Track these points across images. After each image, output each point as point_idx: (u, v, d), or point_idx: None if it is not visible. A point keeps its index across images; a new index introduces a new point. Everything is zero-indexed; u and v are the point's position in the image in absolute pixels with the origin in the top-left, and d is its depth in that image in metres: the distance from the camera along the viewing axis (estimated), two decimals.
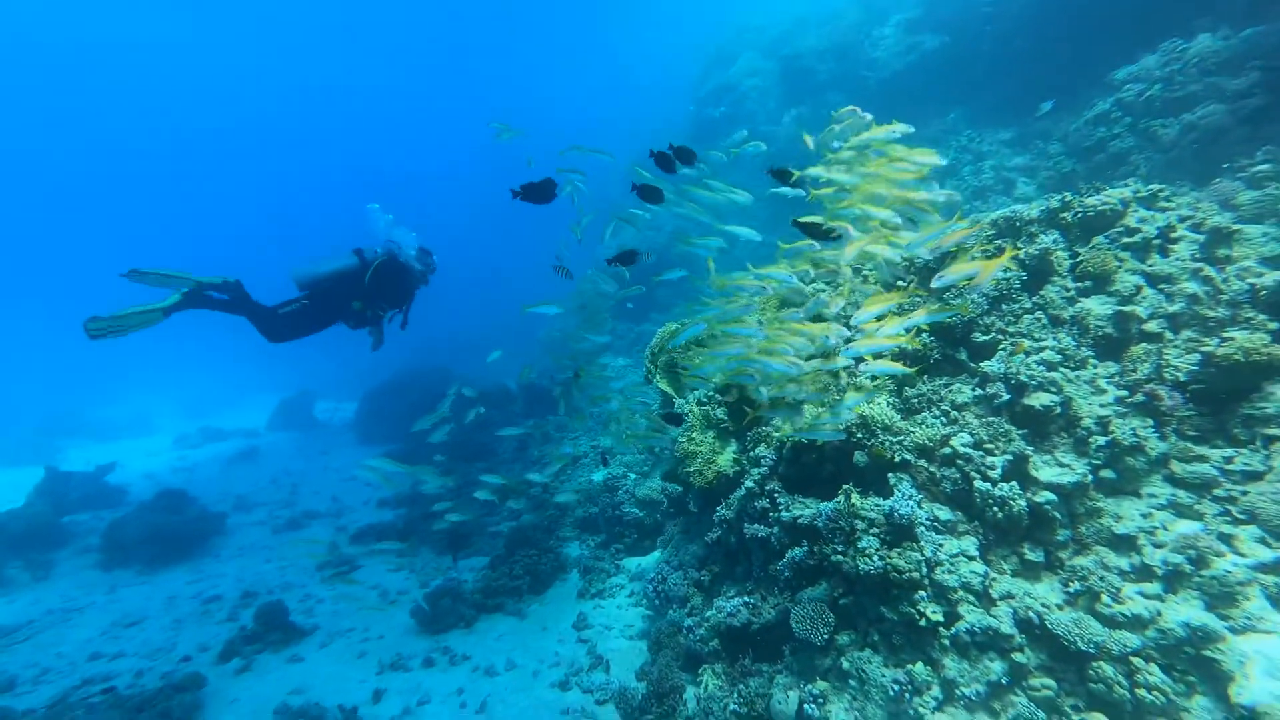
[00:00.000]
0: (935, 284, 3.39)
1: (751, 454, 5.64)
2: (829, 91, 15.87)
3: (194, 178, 62.03)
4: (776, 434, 5.41)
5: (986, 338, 5.11)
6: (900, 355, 5.07)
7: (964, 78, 13.16)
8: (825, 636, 4.37)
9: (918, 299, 5.13)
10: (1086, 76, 10.56)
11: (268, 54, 45.94)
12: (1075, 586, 4.02)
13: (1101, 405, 4.60)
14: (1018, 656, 3.90)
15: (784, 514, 4.96)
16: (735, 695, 4.58)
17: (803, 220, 3.73)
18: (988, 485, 4.31)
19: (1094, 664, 3.66)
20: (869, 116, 3.96)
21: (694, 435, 6.20)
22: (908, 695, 3.95)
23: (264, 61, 46.94)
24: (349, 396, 22.84)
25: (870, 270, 5.54)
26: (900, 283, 5.36)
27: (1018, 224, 5.56)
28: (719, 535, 5.77)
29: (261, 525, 11.68)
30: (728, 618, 5.04)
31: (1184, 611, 3.69)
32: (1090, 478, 4.29)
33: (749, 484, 5.39)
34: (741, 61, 19.53)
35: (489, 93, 53.78)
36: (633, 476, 9.45)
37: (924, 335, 5.17)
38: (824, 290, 5.51)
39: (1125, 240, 5.18)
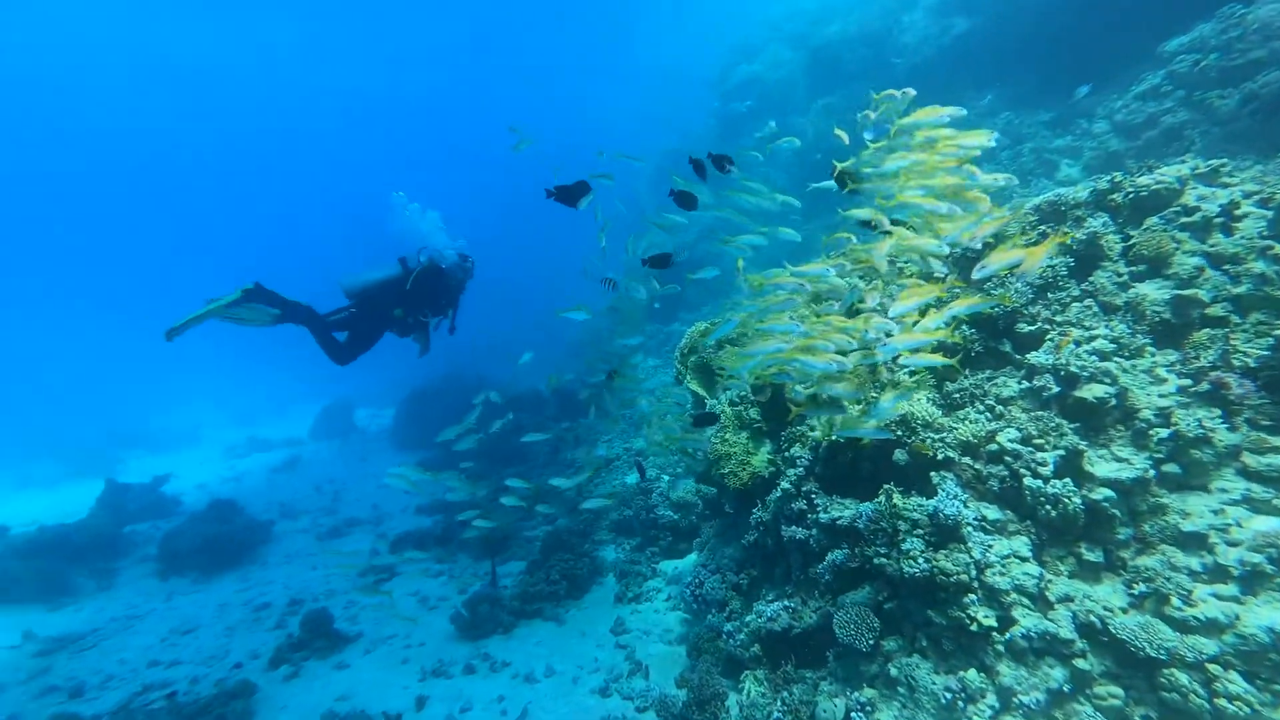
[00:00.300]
0: (976, 275, 3.22)
1: (787, 454, 5.50)
2: (857, 81, 15.52)
3: (239, 188, 63.89)
4: (813, 433, 5.26)
5: (1032, 328, 4.87)
6: (939, 348, 4.87)
7: (998, 60, 12.69)
8: (871, 642, 4.22)
9: (955, 290, 4.92)
10: (1127, 54, 10.05)
11: (292, 56, 46.68)
12: (1140, 588, 3.78)
13: (1161, 395, 4.31)
14: (1080, 663, 3.68)
15: (822, 515, 4.82)
16: (779, 703, 4.47)
17: (858, 216, 3.62)
18: (1039, 482, 4.10)
19: (1165, 671, 3.43)
20: (912, 92, 3.80)
21: (727, 436, 6.09)
22: (961, 703, 3.79)
23: (289, 65, 47.67)
24: (388, 403, 23.34)
25: (907, 263, 5.35)
26: (937, 274, 5.16)
27: (1063, 208, 5.28)
28: (756, 538, 5.65)
29: (306, 533, 12.01)
30: (768, 622, 4.92)
31: (1266, 615, 3.42)
32: (1152, 472, 4.03)
33: (785, 485, 5.26)
34: (766, 54, 19.26)
35: (514, 97, 54.43)
36: (666, 478, 9.38)
37: (964, 328, 4.96)
38: (859, 283, 5.34)
39: (1183, 220, 4.86)
